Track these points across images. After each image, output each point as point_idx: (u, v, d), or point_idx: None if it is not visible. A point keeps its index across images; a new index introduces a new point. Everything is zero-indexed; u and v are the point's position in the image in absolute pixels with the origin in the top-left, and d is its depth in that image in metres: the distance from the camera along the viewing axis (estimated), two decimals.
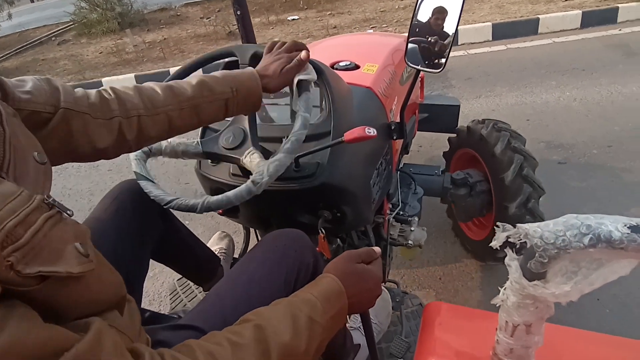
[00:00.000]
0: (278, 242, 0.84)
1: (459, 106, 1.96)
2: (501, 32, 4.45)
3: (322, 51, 1.59)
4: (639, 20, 4.35)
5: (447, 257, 1.95)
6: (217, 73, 0.80)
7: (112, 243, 0.88)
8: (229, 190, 0.83)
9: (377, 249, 0.75)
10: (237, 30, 5.69)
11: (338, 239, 1.24)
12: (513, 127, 2.01)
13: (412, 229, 1.40)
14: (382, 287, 1.21)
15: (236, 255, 1.50)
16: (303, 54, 0.85)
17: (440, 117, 1.96)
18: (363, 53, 1.43)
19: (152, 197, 0.88)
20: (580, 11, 4.46)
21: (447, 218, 2.07)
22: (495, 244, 0.44)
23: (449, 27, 1.04)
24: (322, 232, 1.01)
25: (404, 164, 1.80)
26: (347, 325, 1.11)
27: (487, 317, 0.62)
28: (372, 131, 0.83)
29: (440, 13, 1.05)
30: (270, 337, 0.54)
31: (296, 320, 0.57)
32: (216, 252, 1.37)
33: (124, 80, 4.70)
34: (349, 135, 0.84)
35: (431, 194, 1.75)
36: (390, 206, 1.45)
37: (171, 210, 0.93)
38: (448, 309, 0.75)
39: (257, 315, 0.58)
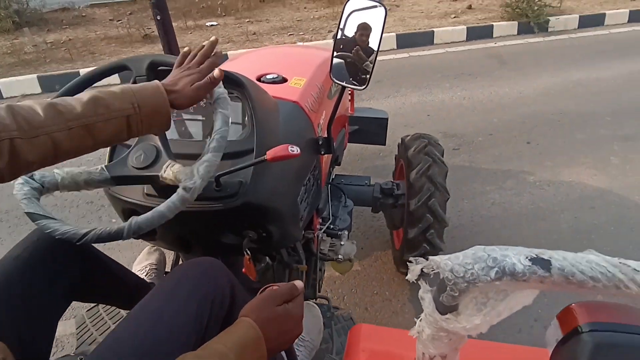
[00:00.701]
0: (189, 273, 0.77)
1: (387, 119, 2.01)
2: (404, 41, 4.97)
3: (249, 62, 1.53)
4: (510, 36, 5.25)
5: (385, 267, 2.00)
6: (116, 87, 0.69)
7: (17, 297, 0.78)
8: (145, 211, 0.73)
9: (299, 284, 0.69)
10: (153, 33, 5.53)
11: (267, 257, 1.17)
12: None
13: (342, 243, 1.37)
14: (313, 303, 1.18)
15: (168, 269, 1.38)
16: (216, 72, 0.77)
17: (370, 129, 1.99)
18: (291, 66, 1.37)
19: (58, 236, 0.74)
20: (465, 27, 5.19)
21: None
22: (410, 277, 0.44)
23: (373, 43, 1.03)
24: (247, 253, 0.95)
25: (335, 175, 1.79)
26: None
27: (412, 337, 0.63)
28: (295, 149, 0.80)
29: (364, 29, 1.04)
30: None
31: None
32: (146, 268, 1.27)
33: (24, 82, 4.26)
34: (271, 153, 0.80)
35: (362, 204, 1.76)
36: (320, 220, 1.41)
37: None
38: (372, 330, 0.74)
39: None
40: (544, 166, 2.77)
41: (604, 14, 5.69)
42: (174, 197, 0.72)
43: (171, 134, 0.95)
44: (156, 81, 0.73)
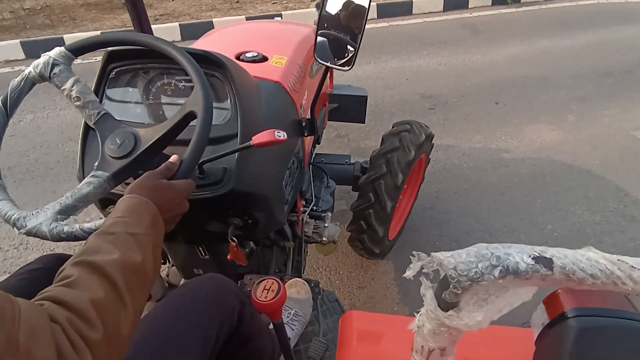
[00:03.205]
0: (200, 290, 0.75)
1: (366, 97, 1.92)
2: (384, 11, 4.96)
3: (227, 39, 1.41)
4: (484, 7, 5.30)
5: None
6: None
7: None
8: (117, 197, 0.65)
9: (174, 158, 0.69)
10: None
11: (251, 242, 1.12)
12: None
13: (326, 224, 1.33)
14: (302, 281, 1.16)
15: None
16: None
17: (349, 107, 1.91)
18: (271, 43, 1.27)
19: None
20: None
21: None
22: (409, 273, 0.42)
23: (358, 22, 0.96)
24: (233, 240, 0.90)
25: (315, 154, 1.72)
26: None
27: (403, 322, 0.59)
28: (282, 135, 0.75)
29: (350, 6, 0.97)
30: (98, 260, 0.48)
31: (115, 241, 0.52)
32: None
33: (6, 47, 4.19)
34: (257, 139, 0.75)
35: (343, 183, 1.71)
36: (304, 202, 1.36)
37: None
38: (364, 317, 0.73)
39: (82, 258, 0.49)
40: (509, 123, 2.95)
41: None
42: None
43: (147, 118, 0.90)
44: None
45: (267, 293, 0.65)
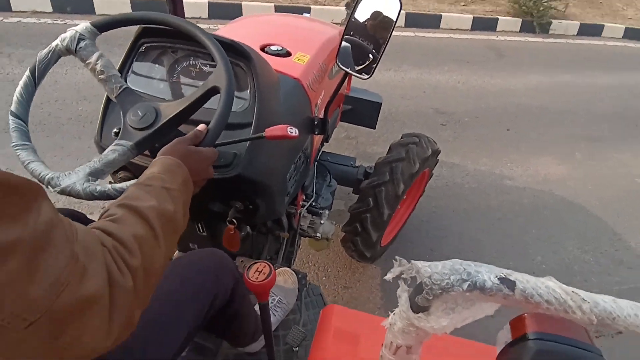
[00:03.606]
0: (203, 263, 0.80)
1: (381, 104, 1.94)
2: (412, 21, 4.92)
3: (255, 28, 1.43)
4: (512, 32, 5.28)
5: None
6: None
7: None
8: (135, 169, 0.74)
9: (201, 127, 0.74)
10: None
11: (248, 227, 1.16)
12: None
13: (322, 221, 1.36)
14: (291, 271, 1.20)
15: None
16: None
17: (363, 111, 1.93)
18: (296, 39, 1.29)
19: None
20: (472, 16, 5.16)
21: None
22: (389, 276, 0.46)
23: (384, 33, 0.99)
24: (233, 222, 0.95)
25: (322, 152, 1.74)
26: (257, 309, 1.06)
27: (380, 322, 0.62)
28: (294, 131, 0.78)
29: (377, 18, 0.99)
30: (139, 205, 0.54)
31: (152, 192, 0.58)
32: None
33: None
34: (270, 132, 0.78)
35: (345, 184, 1.74)
36: (304, 197, 1.40)
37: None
38: (344, 312, 0.76)
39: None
40: (518, 151, 2.97)
41: (603, 26, 5.71)
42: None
43: (165, 93, 0.93)
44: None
45: (258, 274, 0.69)
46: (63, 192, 0.69)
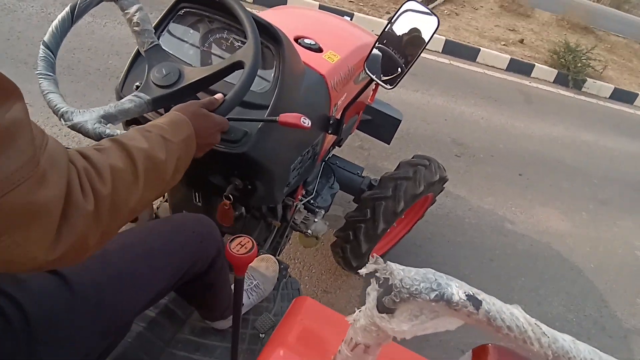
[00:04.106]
0: (188, 226, 0.80)
1: (400, 121, 1.94)
2: (450, 48, 4.95)
3: (295, 19, 1.44)
4: (545, 81, 5.25)
5: None
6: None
7: None
8: (144, 121, 0.74)
9: (219, 96, 0.75)
10: None
11: (243, 207, 1.17)
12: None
13: (316, 220, 1.37)
14: (275, 259, 1.21)
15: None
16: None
17: (381, 125, 1.93)
18: (331, 38, 1.31)
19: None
20: (510, 57, 5.16)
21: None
22: (364, 271, 0.47)
23: (416, 49, 1.00)
24: (229, 198, 0.95)
25: (332, 154, 1.75)
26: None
27: (347, 322, 0.61)
28: (307, 122, 0.79)
29: (413, 32, 1.01)
30: (130, 143, 0.54)
31: (149, 137, 0.58)
32: None
33: None
34: (284, 117, 0.79)
35: (347, 191, 1.75)
36: (304, 192, 1.40)
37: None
38: (315, 306, 0.76)
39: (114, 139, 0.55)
40: (524, 197, 2.95)
41: (637, 95, 5.67)
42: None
43: (194, 60, 0.95)
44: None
45: (240, 247, 0.70)
46: (74, 127, 0.70)
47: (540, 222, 2.84)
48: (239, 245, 0.70)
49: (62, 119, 0.71)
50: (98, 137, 0.69)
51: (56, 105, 0.72)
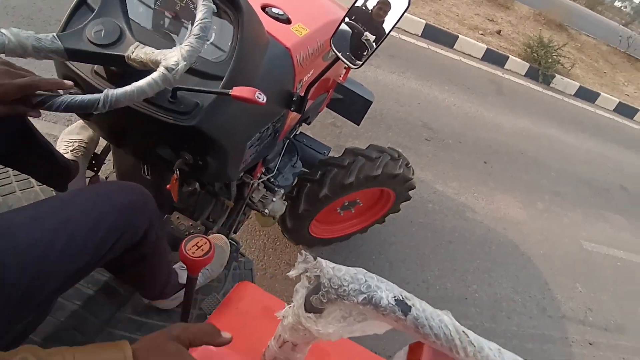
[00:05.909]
0: (114, 195, 0.71)
1: (371, 102, 1.87)
2: (429, 33, 4.92)
3: None
4: (517, 74, 5.36)
5: None
6: None
7: None
8: (89, 89, 0.66)
9: (227, 335, 0.52)
10: None
11: (197, 183, 1.09)
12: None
13: (274, 199, 1.30)
14: (226, 239, 1.14)
15: (98, 151, 1.24)
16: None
17: (351, 105, 1.86)
18: (302, 10, 1.21)
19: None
20: (486, 47, 5.20)
21: None
22: (293, 273, 0.43)
23: (387, 25, 0.93)
24: (176, 173, 0.88)
25: (300, 132, 1.68)
26: (173, 265, 1.02)
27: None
28: (262, 98, 0.73)
29: (384, 6, 0.94)
30: None
31: None
32: (74, 143, 1.14)
33: None
34: (237, 91, 0.73)
35: (309, 169, 1.65)
36: (264, 170, 1.32)
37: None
38: (255, 292, 0.73)
39: None
40: (487, 185, 3.05)
41: (599, 94, 5.87)
42: (155, 74, 0.64)
43: (145, 21, 0.85)
44: None
45: (196, 250, 0.65)
46: None
47: (499, 209, 2.96)
48: (195, 246, 0.65)
49: None
50: None
51: None
